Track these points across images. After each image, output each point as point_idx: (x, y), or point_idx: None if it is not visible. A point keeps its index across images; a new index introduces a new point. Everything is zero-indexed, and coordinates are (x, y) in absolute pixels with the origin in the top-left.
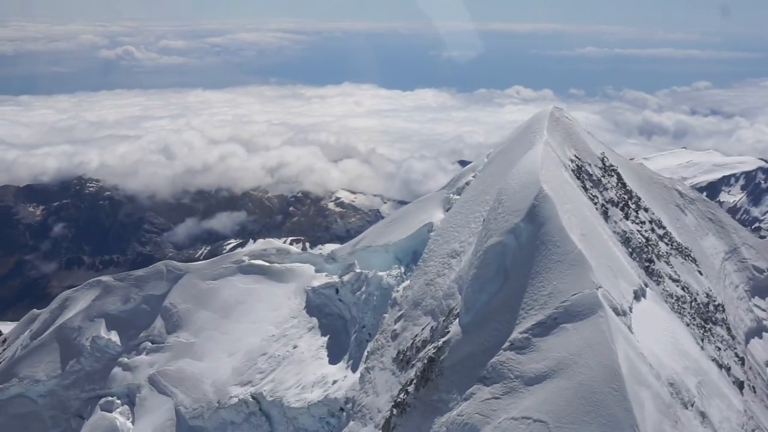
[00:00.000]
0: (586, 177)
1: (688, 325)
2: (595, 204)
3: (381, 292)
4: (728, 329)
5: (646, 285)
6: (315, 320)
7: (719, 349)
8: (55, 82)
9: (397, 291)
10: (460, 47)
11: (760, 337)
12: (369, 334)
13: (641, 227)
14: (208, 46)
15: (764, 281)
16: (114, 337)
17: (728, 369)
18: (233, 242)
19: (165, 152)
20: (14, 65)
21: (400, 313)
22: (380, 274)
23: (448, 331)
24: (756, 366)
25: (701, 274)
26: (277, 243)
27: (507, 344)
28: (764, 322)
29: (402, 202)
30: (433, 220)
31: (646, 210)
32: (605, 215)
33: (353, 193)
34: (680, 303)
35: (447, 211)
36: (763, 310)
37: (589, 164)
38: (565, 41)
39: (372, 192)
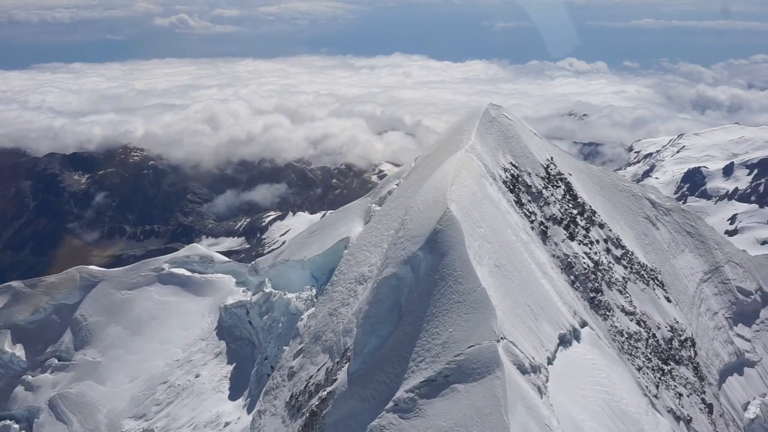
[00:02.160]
0: (523, 189)
1: (640, 368)
2: (532, 222)
3: (288, 318)
4: (696, 369)
5: (584, 324)
6: (224, 344)
7: (680, 396)
8: (108, 49)
9: (302, 319)
10: (514, 18)
11: (741, 374)
12: (271, 367)
13: (590, 248)
14: (261, 15)
15: (751, 305)
16: (19, 351)
17: (688, 421)
18: (272, 214)
19: (210, 122)
20: (70, 33)
21: (300, 346)
22: (288, 296)
23: (336, 379)
24: (730, 411)
25: (669, 300)
26: (202, 249)
27: (391, 404)
28: (747, 356)
29: None
30: (350, 235)
31: (601, 226)
32: (543, 236)
33: (397, 165)
34: (633, 341)
35: (366, 224)
36: (748, 341)
37: (529, 173)
38: (621, 12)
39: None
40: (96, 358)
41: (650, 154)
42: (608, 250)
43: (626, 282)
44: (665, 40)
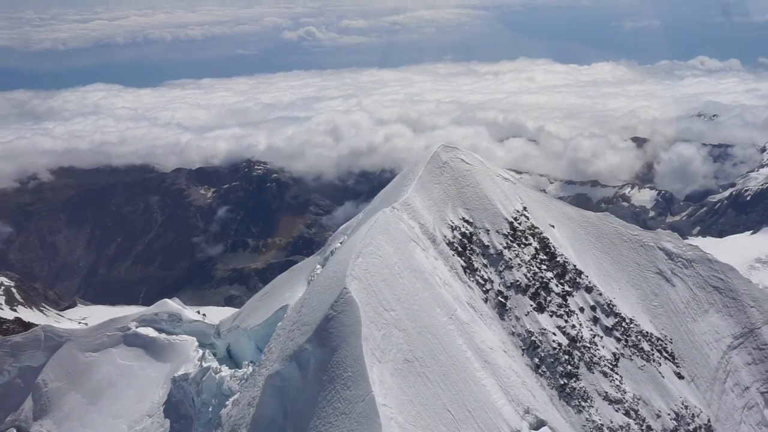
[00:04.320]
0: (477, 251)
1: None
2: (486, 292)
3: (220, 400)
4: None
5: (540, 425)
6: (168, 423)
7: None
8: (237, 64)
9: (227, 405)
10: (644, 17)
11: None
12: None
13: (567, 320)
14: (387, 25)
15: None
16: None
17: None
18: None
19: (332, 133)
20: (201, 49)
21: None
22: (222, 375)
23: None
24: None
25: (681, 377)
26: (172, 305)
27: None
28: None
29: (569, 182)
30: (291, 302)
31: (588, 290)
32: (501, 308)
33: (519, 173)
34: None
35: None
36: None
37: (487, 231)
38: (755, 7)
39: (538, 172)
40: (51, 430)
41: None
42: (595, 320)
43: (617, 359)
44: None
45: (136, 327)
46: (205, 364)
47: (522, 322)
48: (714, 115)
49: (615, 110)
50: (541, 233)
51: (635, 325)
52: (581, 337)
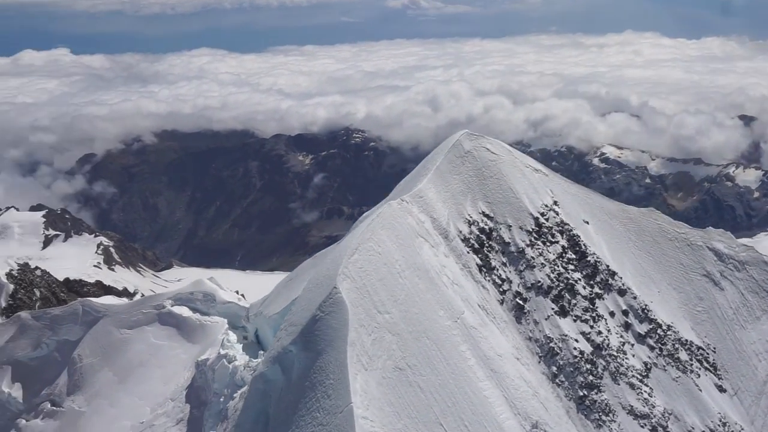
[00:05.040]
0: (496, 248)
1: None
2: (503, 294)
3: (231, 390)
4: None
5: None
6: (188, 409)
7: None
8: (341, 31)
9: (234, 398)
10: None
11: None
12: None
13: (593, 326)
14: None
15: None
16: (17, 391)
17: None
18: None
19: (431, 104)
20: (306, 16)
21: None
22: (236, 363)
23: None
24: None
25: (723, 390)
26: (207, 284)
27: None
28: None
29: (671, 160)
30: None
31: (621, 293)
32: (519, 311)
33: (620, 148)
34: None
35: None
36: None
37: (509, 226)
38: None
39: (639, 148)
40: (81, 407)
41: None
42: (627, 326)
43: (649, 370)
44: None
45: (171, 305)
46: (222, 351)
47: (541, 327)
48: None
49: (723, 87)
50: (572, 230)
51: (673, 332)
52: (608, 345)
